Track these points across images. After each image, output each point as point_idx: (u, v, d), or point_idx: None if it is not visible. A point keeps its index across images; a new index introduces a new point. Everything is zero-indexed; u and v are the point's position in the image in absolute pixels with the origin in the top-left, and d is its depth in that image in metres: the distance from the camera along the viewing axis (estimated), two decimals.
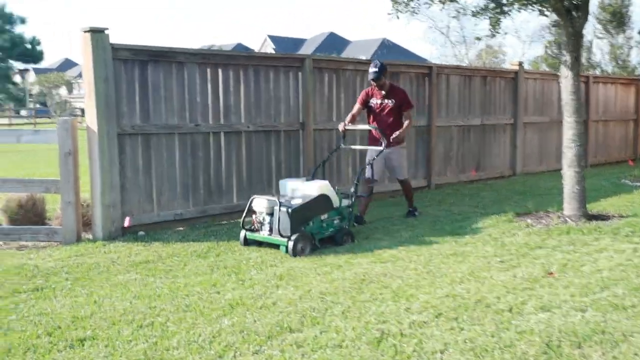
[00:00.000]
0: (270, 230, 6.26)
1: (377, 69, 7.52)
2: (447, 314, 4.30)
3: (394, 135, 7.49)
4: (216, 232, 7.20)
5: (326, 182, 6.66)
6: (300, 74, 8.57)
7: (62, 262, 5.96)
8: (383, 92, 7.68)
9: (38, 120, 46.69)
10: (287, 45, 69.38)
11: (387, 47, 70.40)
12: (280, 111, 8.42)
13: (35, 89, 73.27)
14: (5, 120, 46.41)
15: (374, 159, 7.20)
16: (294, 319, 4.24)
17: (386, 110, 7.70)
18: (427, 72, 10.31)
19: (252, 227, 6.47)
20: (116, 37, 6.75)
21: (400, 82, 9.90)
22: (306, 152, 8.65)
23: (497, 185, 10.93)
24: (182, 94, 7.52)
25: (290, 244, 5.98)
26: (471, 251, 6.05)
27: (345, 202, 6.70)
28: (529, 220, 7.35)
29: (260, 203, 6.38)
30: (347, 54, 62.94)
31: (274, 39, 73.32)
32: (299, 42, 74.67)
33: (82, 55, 6.77)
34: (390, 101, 7.68)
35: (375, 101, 7.78)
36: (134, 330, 4.15)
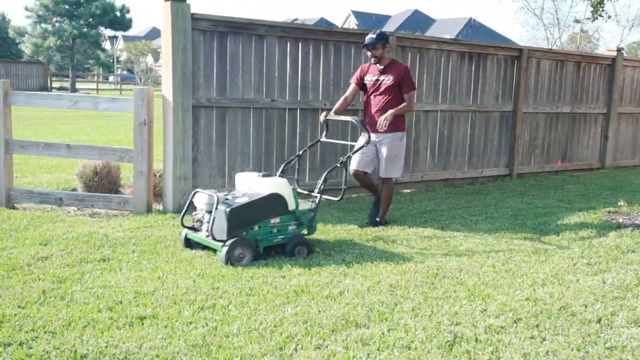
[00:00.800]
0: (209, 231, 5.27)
1: (374, 35, 6.35)
2: (527, 320, 3.95)
3: (383, 117, 6.17)
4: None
5: (282, 180, 5.49)
6: None
7: (130, 232, 5.93)
8: (380, 67, 6.43)
9: (124, 86, 48.02)
10: (370, 22, 68.62)
11: (472, 27, 68.60)
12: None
13: (123, 56, 75.49)
14: (93, 85, 48.02)
15: (348, 157, 6.12)
16: (361, 313, 4.00)
17: (382, 89, 6.38)
18: (517, 54, 9.75)
19: (194, 225, 5.46)
20: (196, 6, 6.61)
21: (487, 65, 9.42)
22: None
23: (584, 178, 10.30)
24: (260, 68, 7.34)
25: (224, 249, 4.97)
26: (555, 250, 5.63)
27: (305, 205, 5.59)
28: (620, 220, 6.82)
29: (201, 198, 5.33)
30: (431, 32, 61.71)
31: (357, 14, 72.66)
32: (383, 19, 73.72)
33: (162, 24, 6.67)
34: (387, 78, 6.37)
35: (370, 78, 6.50)
36: (195, 311, 4.01)
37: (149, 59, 75.40)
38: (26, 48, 45.71)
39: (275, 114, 7.51)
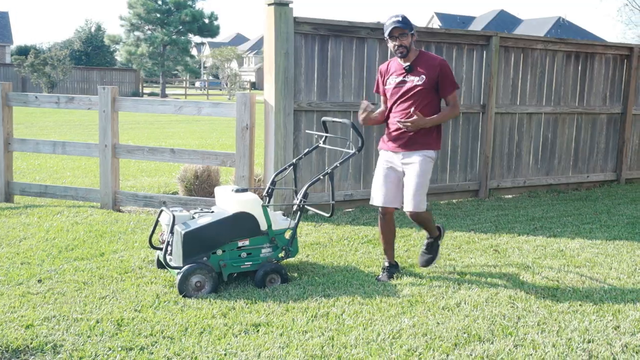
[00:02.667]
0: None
1: (400, 17, 4.64)
2: None
3: (411, 119, 4.56)
4: None
5: (251, 196, 4.68)
6: (485, 52, 7.96)
7: None
8: (405, 65, 4.73)
9: (210, 92, 49.19)
10: (455, 23, 67.57)
11: (561, 26, 66.35)
12: (460, 92, 7.88)
13: (209, 62, 77.43)
14: (182, 91, 49.46)
15: (335, 167, 4.87)
16: (483, 326, 3.81)
17: (409, 94, 4.66)
18: (627, 53, 9.22)
19: (162, 245, 4.85)
20: (296, 10, 6.57)
21: (594, 64, 8.97)
22: (485, 137, 8.05)
23: None
24: (360, 72, 7.24)
25: (178, 277, 4.32)
26: None
27: (283, 224, 4.79)
28: None
29: (164, 217, 4.77)
30: (518, 33, 59.99)
31: (440, 16, 71.67)
32: (467, 20, 72.43)
33: (265, 28, 6.66)
34: (417, 78, 4.63)
35: (392, 80, 4.78)
36: (309, 319, 3.92)
37: (234, 65, 77.12)
38: (120, 56, 47.63)
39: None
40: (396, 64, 4.81)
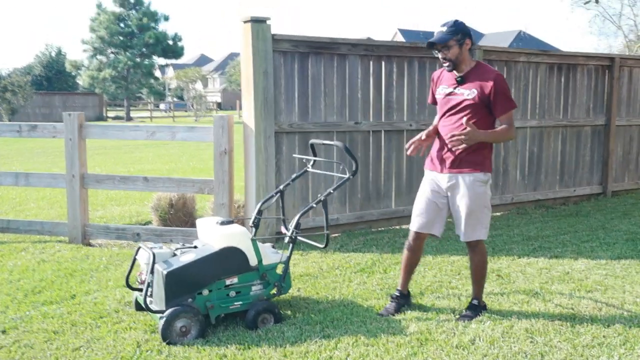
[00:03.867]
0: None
1: (444, 27, 4.16)
2: None
3: (459, 133, 4.03)
4: (376, 242, 6.51)
5: (239, 229, 4.27)
6: None
7: None
8: (457, 75, 4.23)
9: (176, 113, 48.52)
10: (417, 39, 67.92)
11: (523, 39, 67.23)
12: None
13: (173, 84, 76.69)
14: (147, 114, 48.66)
15: (329, 193, 4.47)
16: None
17: (459, 107, 4.20)
18: (609, 64, 9.07)
19: (140, 286, 4.44)
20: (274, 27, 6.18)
21: (577, 76, 8.78)
22: None
23: None
24: (343, 89, 6.89)
25: (161, 322, 3.89)
26: None
27: (274, 258, 4.39)
28: None
29: (143, 255, 4.35)
30: None
31: (404, 32, 72.08)
32: (430, 36, 72.33)
33: (242, 46, 6.29)
34: (468, 91, 4.16)
35: (442, 90, 4.33)
36: None
37: (199, 86, 76.48)
38: (83, 81, 46.74)
39: (359, 137, 7.03)
40: (448, 74, 4.32)
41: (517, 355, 3.58)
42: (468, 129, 4.00)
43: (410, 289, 4.67)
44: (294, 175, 4.98)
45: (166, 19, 42.59)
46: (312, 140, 4.98)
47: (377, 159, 7.17)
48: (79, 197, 6.61)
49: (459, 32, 4.13)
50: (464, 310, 4.33)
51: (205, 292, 4.10)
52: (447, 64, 4.19)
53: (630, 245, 6.14)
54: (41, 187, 9.73)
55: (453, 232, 4.54)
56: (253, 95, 6.22)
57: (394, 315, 4.32)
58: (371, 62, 7.06)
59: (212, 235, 4.32)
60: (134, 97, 51.99)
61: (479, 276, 4.37)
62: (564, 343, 3.75)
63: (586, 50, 32.15)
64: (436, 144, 4.37)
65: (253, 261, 4.24)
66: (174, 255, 4.28)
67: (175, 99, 66.97)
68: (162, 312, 3.96)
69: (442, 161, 4.26)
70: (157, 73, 61.38)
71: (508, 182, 8.27)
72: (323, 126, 6.76)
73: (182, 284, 4.03)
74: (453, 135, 4.04)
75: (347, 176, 4.52)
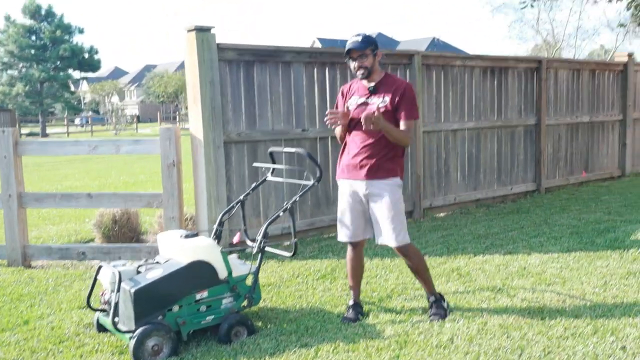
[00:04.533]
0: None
1: (359, 37, 4.28)
2: None
3: (367, 114, 4.05)
4: (331, 248, 6.48)
5: (207, 242, 4.19)
6: (408, 71, 7.82)
7: None
8: (369, 86, 4.35)
9: (94, 127, 47.09)
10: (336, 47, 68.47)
11: (437, 45, 69.08)
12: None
13: (87, 98, 74.48)
14: (62, 129, 46.96)
15: (294, 201, 4.45)
16: None
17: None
18: (537, 66, 9.42)
19: (103, 306, 4.24)
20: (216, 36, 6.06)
21: (508, 78, 9.07)
22: (415, 156, 7.87)
23: (613, 187, 9.95)
24: (289, 97, 6.86)
25: (132, 342, 3.73)
26: None
27: (243, 269, 4.29)
28: None
29: (105, 274, 4.14)
30: None
31: (322, 41, 72.73)
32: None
33: (186, 56, 6.15)
34: (381, 100, 4.27)
35: (355, 101, 4.39)
36: None
37: (114, 99, 74.57)
38: None
39: (307, 144, 7.01)
40: (360, 84, 4.41)
41: (498, 351, 3.64)
42: (377, 114, 4.08)
43: (374, 294, 4.72)
44: (254, 184, 4.92)
45: (81, 31, 41.36)
46: (272, 149, 4.92)
47: (325, 166, 7.15)
48: (16, 218, 6.28)
49: (372, 43, 4.29)
50: (429, 311, 4.37)
51: (176, 308, 3.96)
52: (362, 71, 4.28)
53: (576, 239, 6.37)
54: None
55: None
56: (200, 106, 6.09)
57: (354, 322, 4.29)
58: (315, 69, 7.06)
59: (178, 249, 4.18)
60: (47, 112, 50.08)
61: (423, 275, 4.42)
62: (539, 336, 3.84)
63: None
64: (347, 155, 4.41)
65: (222, 274, 4.13)
66: (139, 272, 4.12)
67: (90, 113, 65.07)
68: (131, 331, 3.80)
69: (358, 169, 4.30)
70: (72, 87, 59.52)
71: (450, 183, 8.44)
72: (271, 134, 6.70)
73: (151, 302, 3.88)
74: (364, 115, 4.04)
75: (311, 183, 4.49)
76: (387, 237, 4.25)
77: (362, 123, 4.06)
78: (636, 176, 11.10)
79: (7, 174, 6.23)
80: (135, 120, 49.04)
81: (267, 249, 4.41)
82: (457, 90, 8.44)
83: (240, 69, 6.47)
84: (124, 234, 7.13)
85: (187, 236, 4.23)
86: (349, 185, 4.39)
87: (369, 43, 4.27)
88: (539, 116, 9.48)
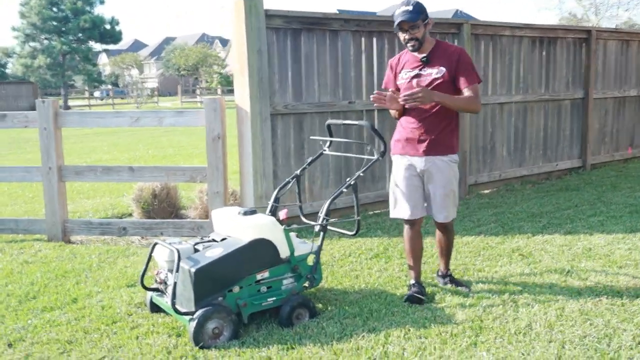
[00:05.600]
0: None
1: (410, 6, 3.98)
2: None
3: (415, 91, 3.85)
4: (379, 225, 6.26)
5: (268, 219, 3.96)
6: (456, 41, 7.49)
7: None
8: (422, 56, 4.11)
9: (115, 101, 47.02)
10: None
11: (461, 17, 67.99)
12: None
13: (107, 70, 74.43)
14: (83, 102, 46.94)
15: (358, 176, 4.22)
16: (578, 354, 3.25)
17: (429, 87, 4.00)
18: (586, 37, 9.03)
19: (157, 286, 4.07)
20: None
21: (557, 49, 8.71)
22: (462, 132, 7.54)
23: None
24: (336, 68, 6.58)
25: (192, 325, 3.55)
26: None
27: (305, 248, 4.08)
28: None
29: (161, 252, 3.97)
30: None
31: (344, 12, 71.93)
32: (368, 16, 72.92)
33: (233, 25, 5.88)
34: (436, 70, 4.05)
35: (406, 74, 4.17)
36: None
37: (134, 72, 74.44)
38: (15, 69, 44.60)
39: (353, 116, 6.75)
40: (409, 55, 4.19)
41: (584, 340, 3.40)
42: (417, 89, 3.87)
43: (435, 275, 4.55)
44: (310, 159, 4.69)
45: (101, 2, 41.02)
46: (330, 121, 4.67)
47: (372, 141, 6.90)
48: (57, 192, 6.12)
49: (423, 11, 4.02)
50: (451, 285, 4.39)
51: (236, 289, 3.76)
52: (413, 43, 4.05)
53: (637, 218, 6.08)
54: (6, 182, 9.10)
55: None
56: (248, 76, 5.85)
57: (420, 304, 4.08)
58: (363, 39, 6.77)
59: (237, 226, 3.97)
60: (66, 85, 50.08)
61: (450, 251, 4.50)
62: (625, 323, 3.60)
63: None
64: (404, 130, 4.21)
65: (284, 253, 3.93)
66: (196, 250, 3.92)
67: (109, 86, 65.05)
68: (191, 313, 3.61)
69: (415, 145, 4.13)
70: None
71: (495, 159, 8.16)
72: (317, 106, 6.45)
73: (211, 282, 3.69)
74: (407, 95, 3.84)
75: (375, 157, 4.26)
76: (437, 212, 4.19)
77: (403, 101, 3.90)
78: None
79: (48, 146, 6.05)
80: (156, 93, 48.90)
81: (330, 227, 4.19)
82: (505, 62, 8.11)
83: (287, 37, 6.21)
84: (164, 209, 6.96)
85: (245, 213, 4.02)
86: (407, 161, 4.19)
87: (420, 12, 4.00)
88: (586, 89, 9.11)
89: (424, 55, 4.09)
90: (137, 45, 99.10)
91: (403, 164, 4.20)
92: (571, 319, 3.68)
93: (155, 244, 4.02)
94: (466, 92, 4.02)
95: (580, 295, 4.08)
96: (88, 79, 46.12)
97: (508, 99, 8.15)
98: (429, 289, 4.32)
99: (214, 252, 3.79)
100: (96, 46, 46.13)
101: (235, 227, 4.00)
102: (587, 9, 33.56)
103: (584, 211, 6.49)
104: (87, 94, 49.32)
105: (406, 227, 4.30)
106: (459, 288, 4.33)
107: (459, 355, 3.30)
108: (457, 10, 70.01)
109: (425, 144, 4.09)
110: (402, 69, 4.21)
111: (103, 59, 75.88)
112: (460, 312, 3.87)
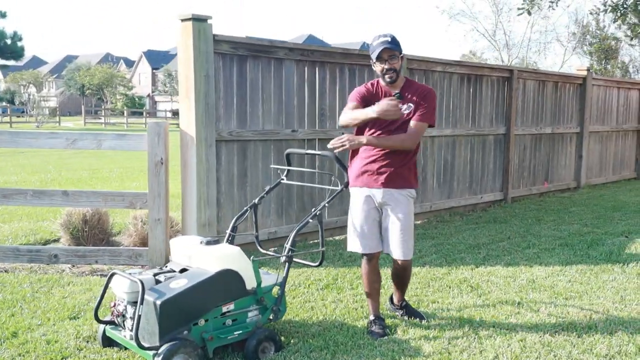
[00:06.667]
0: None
1: (389, 37, 4.06)
2: None
3: (344, 140, 4.00)
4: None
5: (234, 250, 3.85)
6: None
7: None
8: (395, 93, 4.11)
9: (13, 119, 44.74)
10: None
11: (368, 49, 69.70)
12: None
13: (1, 87, 70.89)
14: None
15: (323, 206, 4.17)
16: None
17: (398, 123, 4.06)
18: (508, 75, 9.47)
19: (113, 318, 3.83)
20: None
21: (482, 86, 9.07)
22: None
23: (574, 199, 10.11)
24: (280, 96, 6.55)
25: None
26: None
27: (269, 280, 3.98)
28: None
29: (120, 283, 3.72)
30: None
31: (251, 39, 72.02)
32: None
33: (180, 47, 5.75)
34: (406, 106, 4.07)
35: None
36: None
37: (32, 90, 71.32)
38: None
39: (295, 145, 6.72)
40: (385, 88, 4.18)
41: None
42: (346, 135, 3.98)
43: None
44: (267, 187, 4.62)
45: (3, 15, 38.99)
46: (291, 150, 4.64)
47: (312, 169, 6.89)
48: None
49: (399, 44, 4.08)
50: (407, 318, 4.40)
51: (202, 322, 3.61)
52: (390, 74, 4.06)
53: (569, 251, 6.35)
54: None
55: None
56: (194, 101, 5.71)
57: (383, 337, 4.06)
58: (306, 68, 6.78)
59: (200, 256, 3.83)
60: None
61: (407, 284, 4.48)
62: (586, 355, 3.72)
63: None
64: (365, 160, 4.17)
65: (250, 284, 3.81)
66: (157, 282, 3.74)
67: (4, 104, 61.93)
68: (155, 348, 3.42)
69: (375, 177, 4.12)
70: None
71: (427, 191, 8.34)
72: (261, 134, 6.38)
73: (177, 315, 3.52)
74: (335, 142, 4.00)
75: (339, 188, 4.25)
76: (396, 249, 4.13)
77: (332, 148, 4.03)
78: (591, 188, 11.35)
79: None
80: (57, 113, 46.97)
81: (295, 259, 4.12)
82: (437, 97, 8.34)
83: (233, 63, 6.12)
84: (95, 235, 6.64)
85: (209, 242, 3.89)
86: (364, 193, 4.18)
87: (398, 44, 4.06)
88: (508, 126, 9.53)
89: (397, 91, 4.11)
90: (36, 62, 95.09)
91: (362, 196, 4.19)
92: (535, 351, 3.77)
93: (113, 274, 3.81)
94: (411, 124, 4.04)
95: (537, 327, 4.19)
96: None
97: (439, 133, 8.38)
98: (389, 321, 4.32)
99: (179, 284, 3.62)
100: None
101: (197, 257, 3.85)
102: (501, 48, 35.53)
103: (517, 243, 6.72)
104: None
105: (364, 261, 4.27)
106: (416, 320, 4.35)
107: None
108: (364, 43, 71.83)
109: (385, 176, 4.09)
110: (375, 95, 4.15)
111: None
112: (427, 345, 3.88)
